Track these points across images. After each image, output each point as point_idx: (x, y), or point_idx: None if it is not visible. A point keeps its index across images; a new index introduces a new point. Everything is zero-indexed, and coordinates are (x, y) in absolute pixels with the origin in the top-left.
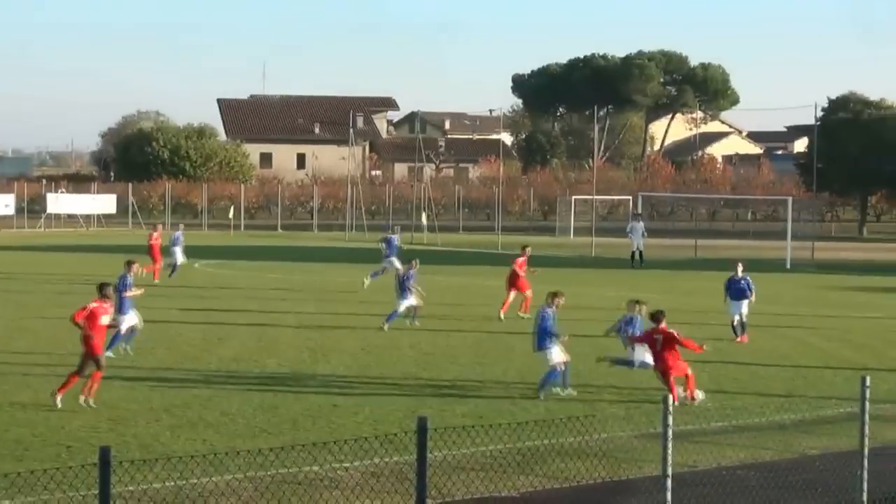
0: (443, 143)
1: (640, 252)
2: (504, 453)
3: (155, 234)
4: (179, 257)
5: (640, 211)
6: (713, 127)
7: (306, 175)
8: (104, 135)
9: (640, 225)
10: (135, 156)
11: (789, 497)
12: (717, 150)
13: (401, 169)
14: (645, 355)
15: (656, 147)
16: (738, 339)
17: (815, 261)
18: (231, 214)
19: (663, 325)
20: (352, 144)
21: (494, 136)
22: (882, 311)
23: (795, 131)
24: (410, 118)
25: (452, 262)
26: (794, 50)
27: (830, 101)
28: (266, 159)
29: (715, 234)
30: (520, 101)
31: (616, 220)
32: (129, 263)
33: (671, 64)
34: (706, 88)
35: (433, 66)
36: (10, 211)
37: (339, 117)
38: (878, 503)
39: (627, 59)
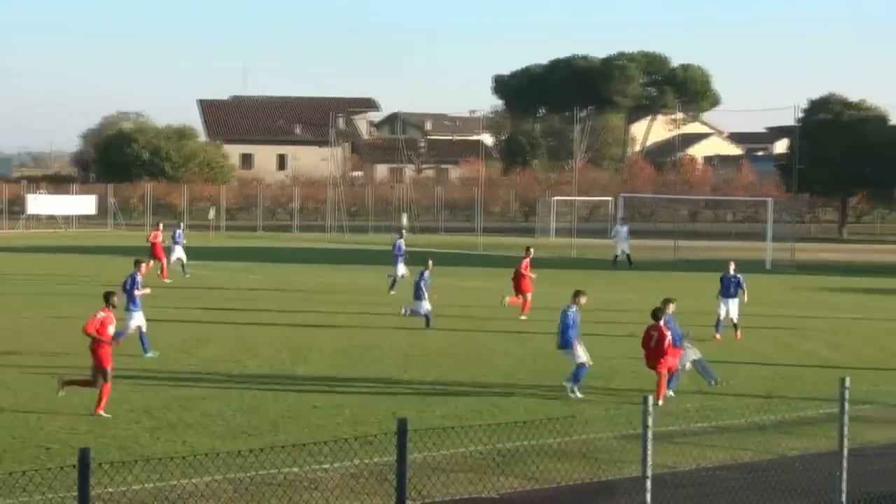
0: (424, 144)
1: (628, 255)
2: (484, 454)
3: (156, 233)
4: (182, 254)
5: (625, 214)
6: (694, 128)
7: (287, 176)
8: (84, 136)
9: (625, 228)
10: (115, 157)
11: (769, 498)
12: (698, 152)
13: (382, 170)
14: (689, 355)
15: (637, 148)
16: (718, 337)
17: (795, 262)
18: (211, 215)
19: (661, 323)
20: (332, 145)
21: (475, 137)
22: (862, 311)
23: (776, 132)
24: (391, 119)
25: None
26: (774, 51)
27: (811, 103)
28: (247, 160)
29: (695, 235)
30: (501, 102)
31: (597, 221)
32: (138, 263)
33: (652, 65)
34: (687, 89)
35: (414, 67)
36: None
37: (320, 118)
38: None
39: (608, 60)
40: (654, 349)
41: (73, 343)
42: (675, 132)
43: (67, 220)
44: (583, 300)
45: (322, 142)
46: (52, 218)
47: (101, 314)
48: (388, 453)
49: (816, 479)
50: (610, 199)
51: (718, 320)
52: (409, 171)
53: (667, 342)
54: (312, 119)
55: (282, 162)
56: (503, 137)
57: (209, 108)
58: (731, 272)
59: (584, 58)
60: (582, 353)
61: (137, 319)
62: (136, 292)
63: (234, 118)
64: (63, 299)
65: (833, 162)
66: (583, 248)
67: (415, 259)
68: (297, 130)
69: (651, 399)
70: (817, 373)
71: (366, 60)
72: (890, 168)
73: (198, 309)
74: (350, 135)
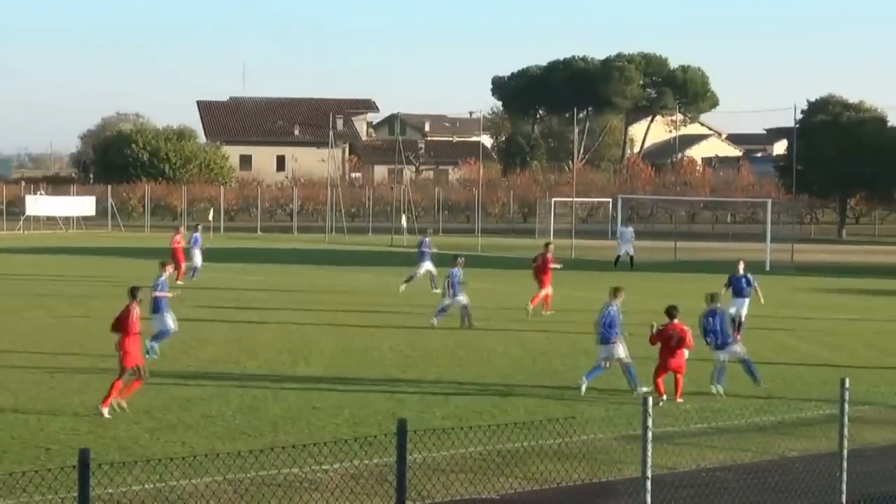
0: (422, 146)
1: (631, 256)
2: (484, 455)
3: (178, 237)
4: (198, 259)
5: (629, 216)
6: (693, 129)
7: (286, 177)
8: (83, 137)
9: (630, 230)
10: (114, 158)
11: (769, 499)
12: (697, 153)
13: (381, 171)
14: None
15: (636, 149)
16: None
17: (794, 263)
18: (210, 216)
19: (678, 321)
20: (331, 146)
21: (474, 139)
22: (861, 312)
23: (775, 134)
24: (390, 120)
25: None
26: (773, 52)
27: (810, 104)
28: (246, 161)
29: (694, 237)
30: (499, 104)
31: (596, 223)
32: (162, 265)
33: (651, 66)
34: (686, 91)
35: (413, 69)
36: None
37: (319, 119)
38: None
39: (607, 62)
40: (676, 348)
41: (72, 344)
42: (674, 133)
43: (66, 221)
44: (622, 297)
45: (321, 143)
46: (51, 219)
47: (137, 310)
48: (387, 454)
49: (816, 480)
50: (609, 200)
51: (731, 320)
52: (407, 172)
53: (689, 338)
54: (311, 120)
55: (281, 163)
56: (502, 139)
57: (208, 110)
58: (741, 272)
59: (583, 59)
60: (621, 351)
61: (170, 321)
62: (156, 293)
63: (233, 119)
64: (62, 300)
65: (832, 163)
66: (582, 250)
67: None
68: (296, 132)
69: (651, 400)
70: (817, 374)
71: (364, 61)
72: (889, 169)
73: (197, 309)
74: (349, 136)
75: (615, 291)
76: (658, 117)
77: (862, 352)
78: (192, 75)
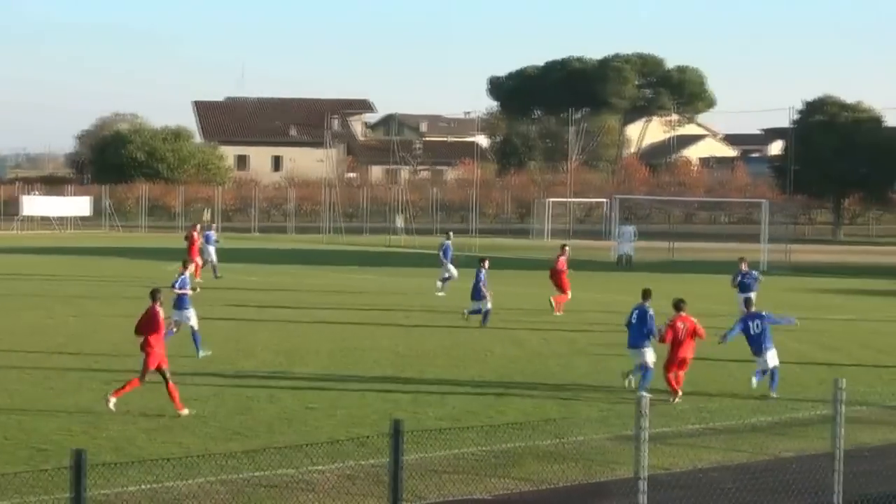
0: (419, 146)
1: (629, 257)
2: (479, 456)
3: (195, 234)
4: (214, 258)
5: (625, 216)
6: (689, 130)
7: (282, 177)
8: (80, 137)
9: (630, 229)
10: (110, 158)
11: (764, 499)
12: (693, 153)
13: (377, 171)
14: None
15: (632, 149)
16: None
17: (790, 263)
18: (207, 217)
19: (685, 313)
20: (328, 147)
21: (470, 139)
22: (856, 313)
23: (771, 134)
24: (387, 120)
25: (428, 264)
26: (769, 53)
27: (806, 104)
28: (242, 161)
29: (690, 237)
30: (496, 104)
31: (592, 223)
32: (184, 263)
33: (647, 67)
34: (682, 91)
35: (409, 69)
36: None
37: (316, 119)
38: None
39: (604, 62)
40: (685, 340)
41: (67, 344)
42: (671, 134)
43: (62, 221)
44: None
45: (317, 143)
46: (46, 219)
47: (160, 313)
48: (382, 455)
49: (811, 481)
50: (605, 200)
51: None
52: (404, 172)
53: (700, 328)
54: (308, 120)
55: (277, 163)
56: (498, 139)
57: (204, 110)
58: (744, 269)
59: (580, 59)
60: (649, 357)
61: (193, 317)
62: (176, 289)
63: (230, 120)
64: (58, 300)
65: (827, 163)
66: (578, 250)
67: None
68: (293, 132)
69: (646, 401)
70: (812, 374)
71: (361, 62)
72: (884, 170)
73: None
74: (345, 136)
75: (646, 293)
76: (654, 118)
77: (857, 352)
78: (189, 75)
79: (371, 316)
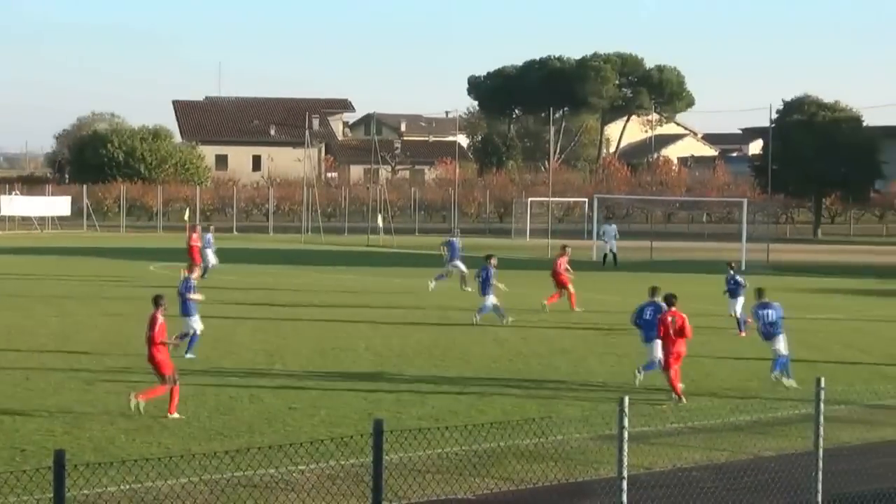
0: (398, 145)
1: (614, 254)
2: (460, 455)
3: (195, 236)
4: (212, 259)
5: (604, 215)
6: (668, 129)
7: (262, 177)
8: (59, 137)
9: (613, 227)
10: (89, 158)
11: (745, 498)
12: (673, 153)
13: (357, 171)
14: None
15: (612, 149)
16: (740, 333)
17: (770, 263)
18: (186, 216)
19: (675, 308)
20: (307, 146)
21: (450, 138)
22: (836, 312)
23: (750, 133)
24: (366, 120)
25: (408, 264)
26: (749, 52)
27: (785, 104)
28: (221, 161)
29: (670, 236)
30: (475, 103)
31: (572, 222)
32: (189, 268)
33: (627, 66)
34: (662, 90)
35: (389, 68)
36: None
37: (295, 119)
38: None
39: (583, 61)
40: (676, 336)
41: (48, 344)
42: (650, 133)
43: (42, 221)
44: (660, 295)
45: (297, 143)
46: (26, 219)
47: (161, 319)
48: (364, 454)
49: (792, 480)
50: (585, 200)
51: (735, 318)
52: (383, 172)
53: (688, 327)
54: (287, 120)
55: (257, 163)
56: (478, 138)
57: (183, 109)
58: (731, 272)
59: (559, 59)
60: (658, 352)
61: (196, 323)
62: (190, 296)
63: (209, 119)
64: (38, 300)
65: (807, 163)
66: (558, 250)
67: (372, 261)
68: (272, 131)
69: (627, 400)
70: (792, 373)
71: (341, 61)
72: (864, 169)
73: (173, 309)
74: (325, 136)
75: (653, 290)
76: (634, 117)
77: (837, 351)
78: (168, 75)
79: (352, 315)
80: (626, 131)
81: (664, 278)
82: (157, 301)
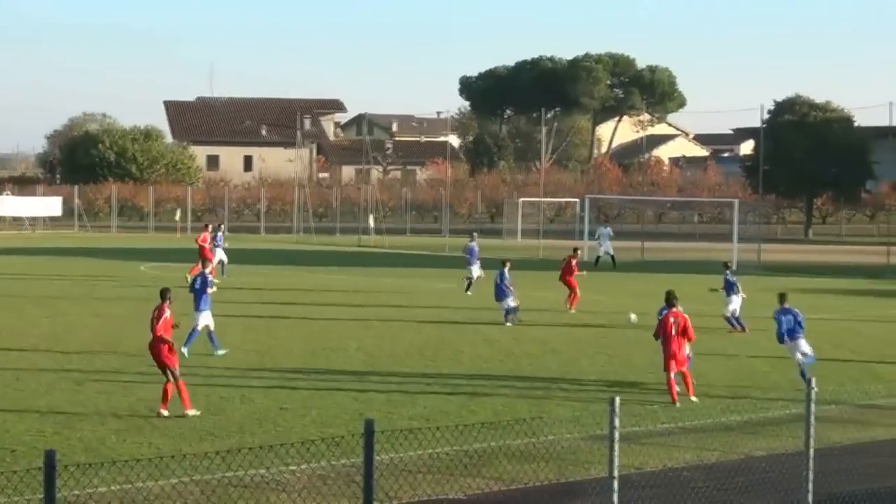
0: (390, 146)
1: (612, 256)
2: (451, 455)
3: (204, 235)
4: (223, 256)
5: (595, 216)
6: (660, 129)
7: (253, 177)
8: (50, 137)
9: (608, 230)
10: (81, 158)
11: (736, 498)
12: (664, 153)
13: (348, 171)
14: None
15: (603, 149)
16: (730, 331)
17: (761, 263)
18: (178, 217)
19: (677, 308)
20: (299, 147)
21: (442, 139)
22: (827, 312)
23: (741, 134)
24: (358, 120)
25: (400, 264)
26: (740, 53)
27: (776, 104)
28: (213, 162)
29: (662, 237)
30: (467, 104)
31: (563, 223)
32: (204, 264)
33: (618, 66)
34: (653, 91)
35: (380, 68)
36: None
37: (287, 119)
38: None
39: (575, 62)
40: (678, 337)
41: (39, 344)
42: (642, 133)
43: (33, 221)
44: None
45: (288, 143)
46: (17, 219)
47: (168, 312)
48: (355, 454)
49: (782, 480)
50: (576, 200)
51: (727, 318)
52: (375, 172)
53: (690, 329)
54: (279, 120)
55: (248, 163)
56: (470, 139)
57: (175, 110)
58: (727, 272)
59: (551, 59)
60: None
61: (206, 318)
62: (208, 290)
63: (200, 120)
64: (29, 301)
65: (798, 163)
66: (549, 250)
67: (364, 261)
68: (264, 132)
69: (618, 400)
70: (783, 373)
71: (332, 61)
72: (855, 169)
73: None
74: (316, 136)
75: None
76: (625, 117)
77: (828, 351)
78: (160, 75)
79: (343, 316)
80: (618, 131)
81: (655, 279)
82: (164, 294)
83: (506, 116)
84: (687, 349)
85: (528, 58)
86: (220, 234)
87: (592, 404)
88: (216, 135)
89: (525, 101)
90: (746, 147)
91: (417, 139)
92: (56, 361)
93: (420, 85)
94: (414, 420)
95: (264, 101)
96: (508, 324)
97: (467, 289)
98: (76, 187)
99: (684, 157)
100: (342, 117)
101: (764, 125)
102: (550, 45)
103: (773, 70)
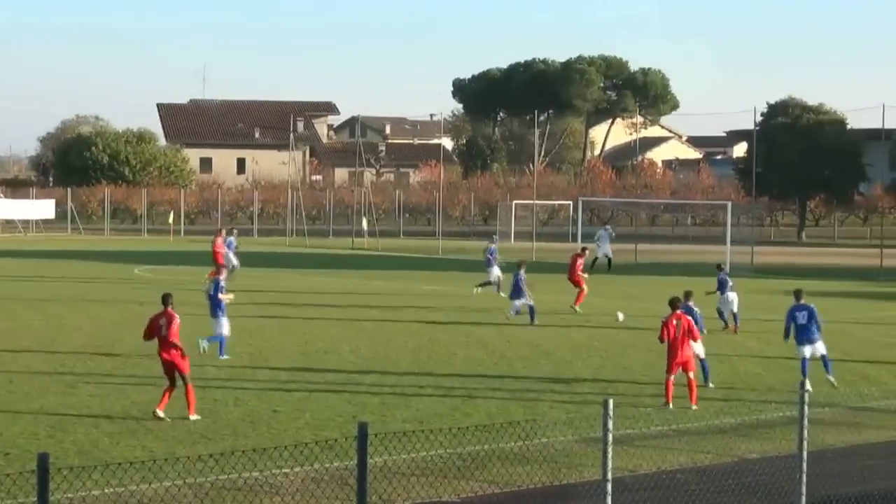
0: (383, 148)
1: (609, 258)
2: (445, 458)
3: (219, 240)
4: (233, 261)
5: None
6: (653, 132)
7: (246, 180)
8: (43, 139)
9: (608, 231)
10: (74, 161)
11: (729, 501)
12: (657, 155)
13: (341, 174)
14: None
15: (597, 152)
16: (724, 328)
17: (754, 265)
18: (171, 220)
19: (680, 311)
20: (292, 149)
21: (435, 141)
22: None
23: (735, 136)
24: (351, 123)
25: (393, 266)
26: (733, 55)
27: (769, 107)
28: (206, 164)
29: (655, 239)
30: (460, 106)
31: (557, 225)
32: (218, 269)
33: (611, 69)
34: (646, 93)
35: (374, 71)
36: None
37: (280, 122)
38: None
39: (568, 64)
40: (682, 340)
41: (32, 346)
42: (635, 136)
43: (26, 224)
44: (692, 298)
45: (282, 145)
46: (10, 222)
47: (178, 319)
48: (348, 457)
49: (776, 482)
50: (569, 203)
51: (722, 316)
52: (368, 174)
53: (695, 329)
54: (272, 123)
55: (241, 166)
56: (463, 141)
57: (168, 112)
58: (720, 273)
59: (544, 61)
60: (700, 350)
61: (225, 324)
62: (221, 296)
63: (193, 122)
64: (21, 303)
65: (791, 165)
66: (543, 252)
67: (357, 264)
68: (257, 134)
69: (611, 402)
70: (777, 375)
71: (325, 64)
72: (848, 172)
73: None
74: (310, 138)
75: (687, 295)
76: (618, 120)
77: None
78: (152, 78)
79: (336, 318)
80: (611, 134)
81: (649, 281)
82: (166, 299)
83: (499, 119)
84: (697, 349)
85: (521, 60)
86: (232, 238)
87: (586, 407)
88: (209, 137)
89: (518, 103)
90: (739, 149)
91: (410, 141)
92: (49, 364)
93: (413, 87)
94: (407, 423)
95: (257, 104)
96: (512, 312)
97: (498, 289)
98: (69, 190)
99: (677, 159)
100: (335, 120)
101: (757, 128)
102: (543, 47)
103: (766, 73)
